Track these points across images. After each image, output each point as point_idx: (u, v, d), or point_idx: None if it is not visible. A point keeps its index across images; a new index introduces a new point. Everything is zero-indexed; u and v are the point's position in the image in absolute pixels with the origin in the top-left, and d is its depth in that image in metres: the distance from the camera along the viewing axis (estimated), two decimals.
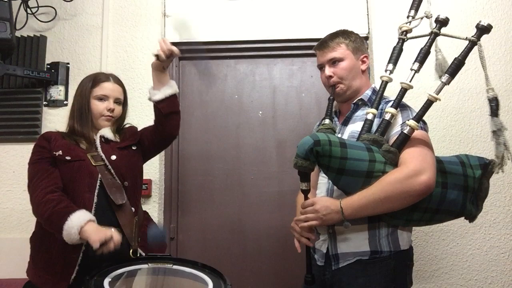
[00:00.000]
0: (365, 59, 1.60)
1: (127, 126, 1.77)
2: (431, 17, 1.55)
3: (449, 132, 2.22)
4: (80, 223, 1.37)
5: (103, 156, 1.57)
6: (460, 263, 2.14)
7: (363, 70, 1.59)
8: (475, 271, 2.12)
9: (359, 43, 1.61)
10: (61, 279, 1.45)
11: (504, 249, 2.13)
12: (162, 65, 1.65)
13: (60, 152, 1.54)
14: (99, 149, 1.59)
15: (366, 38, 2.39)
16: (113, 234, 1.37)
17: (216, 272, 1.39)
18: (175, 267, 1.44)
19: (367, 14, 2.40)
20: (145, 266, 1.42)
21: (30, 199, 1.49)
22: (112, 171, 1.56)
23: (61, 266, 1.46)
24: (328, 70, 1.58)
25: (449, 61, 1.44)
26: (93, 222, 1.40)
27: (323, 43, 1.60)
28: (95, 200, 1.50)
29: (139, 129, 1.80)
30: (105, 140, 1.63)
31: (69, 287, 1.44)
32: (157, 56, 1.61)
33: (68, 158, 1.54)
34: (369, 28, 2.38)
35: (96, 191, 1.51)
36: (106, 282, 1.24)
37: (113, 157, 1.59)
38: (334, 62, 1.57)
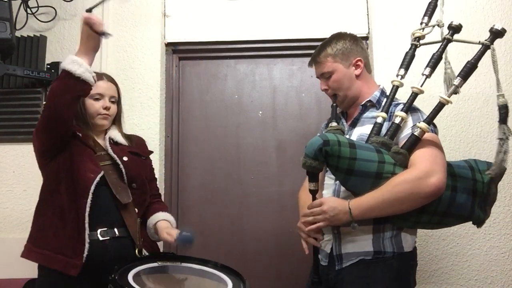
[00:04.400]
0: (359, 62, 1.57)
1: (136, 136, 1.81)
2: (443, 26, 1.55)
3: (449, 132, 2.22)
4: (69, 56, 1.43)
5: (115, 156, 1.58)
6: (460, 263, 2.13)
7: (357, 75, 1.57)
8: (475, 271, 2.12)
9: (349, 48, 1.57)
10: (74, 257, 1.43)
11: (504, 249, 2.13)
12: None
13: (79, 134, 1.58)
14: (110, 150, 1.60)
15: (366, 38, 2.39)
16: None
17: (233, 272, 1.40)
18: (190, 265, 1.45)
19: (367, 14, 2.39)
20: (155, 264, 1.43)
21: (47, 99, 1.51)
22: (123, 170, 1.57)
23: (74, 244, 1.44)
24: (322, 84, 1.61)
25: (454, 62, 1.44)
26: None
27: (312, 59, 1.62)
28: (96, 180, 1.50)
29: (137, 129, 1.82)
30: (114, 142, 1.65)
31: (80, 273, 1.42)
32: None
33: (83, 140, 1.57)
34: (369, 28, 2.38)
35: (97, 180, 1.51)
36: (130, 279, 1.25)
37: (125, 158, 1.61)
38: (325, 76, 1.58)
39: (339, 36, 1.61)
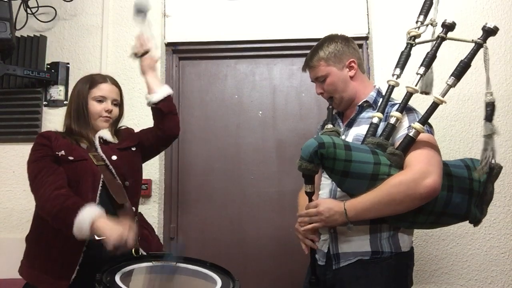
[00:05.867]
0: (352, 64, 1.56)
1: (123, 127, 1.79)
2: (436, 25, 1.54)
3: (449, 132, 2.22)
4: (91, 216, 1.34)
5: (104, 157, 1.58)
6: (460, 263, 2.14)
7: (352, 76, 1.56)
8: (475, 271, 2.12)
9: (341, 50, 1.56)
10: (61, 278, 1.44)
11: (504, 249, 2.13)
12: (152, 64, 1.72)
13: (63, 152, 1.53)
14: (99, 149, 1.59)
15: (366, 38, 2.39)
16: (129, 232, 1.33)
17: (223, 271, 1.39)
18: (182, 265, 1.44)
19: (367, 14, 2.40)
20: (149, 264, 1.43)
21: (35, 196, 1.47)
22: (113, 171, 1.57)
23: (61, 266, 1.45)
24: (318, 88, 1.60)
25: (452, 62, 1.44)
26: (104, 217, 1.38)
27: (305, 64, 1.61)
28: (97, 201, 1.50)
29: (137, 129, 1.81)
30: (103, 142, 1.63)
31: (69, 287, 1.44)
32: (135, 54, 1.69)
33: (71, 158, 1.53)
34: (369, 28, 2.38)
35: (99, 191, 1.51)
36: (117, 279, 1.24)
37: (114, 157, 1.60)
38: (320, 80, 1.58)
39: (330, 39, 1.60)
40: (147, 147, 1.76)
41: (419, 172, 1.30)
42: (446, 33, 1.48)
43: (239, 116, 2.45)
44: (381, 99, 1.52)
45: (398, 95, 1.54)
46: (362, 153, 1.35)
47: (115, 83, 1.70)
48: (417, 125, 1.35)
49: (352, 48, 1.60)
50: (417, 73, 1.47)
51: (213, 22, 2.45)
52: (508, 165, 2.16)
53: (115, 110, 1.68)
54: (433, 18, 1.56)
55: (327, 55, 1.56)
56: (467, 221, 1.49)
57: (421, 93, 1.50)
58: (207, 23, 2.45)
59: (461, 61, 1.39)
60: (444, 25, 1.48)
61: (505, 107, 2.21)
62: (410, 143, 1.36)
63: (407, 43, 1.56)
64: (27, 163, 1.54)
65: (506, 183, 2.16)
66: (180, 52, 2.50)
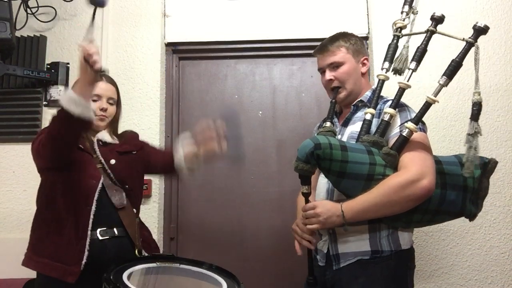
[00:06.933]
0: (365, 61, 1.59)
1: (128, 131, 1.78)
2: (417, 13, 1.55)
3: (449, 132, 2.22)
4: (67, 91, 1.37)
5: (102, 160, 1.57)
6: (460, 263, 2.13)
7: (363, 73, 1.59)
8: (475, 271, 2.12)
9: (360, 46, 1.60)
10: (72, 264, 1.42)
11: (504, 249, 2.13)
12: None
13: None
14: (98, 153, 1.57)
15: (366, 38, 2.39)
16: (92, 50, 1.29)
17: (228, 274, 1.40)
18: (187, 267, 1.45)
19: (367, 14, 2.40)
20: (154, 265, 1.43)
21: (40, 145, 1.46)
22: (111, 175, 1.56)
23: (71, 252, 1.44)
24: (328, 74, 1.58)
25: (448, 61, 1.43)
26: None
27: (323, 47, 1.59)
28: (95, 203, 1.49)
29: (137, 129, 1.81)
30: (103, 144, 1.61)
31: (79, 277, 1.41)
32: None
33: (81, 146, 1.54)
34: (369, 28, 2.38)
35: (97, 193, 1.50)
36: (124, 278, 1.25)
37: (112, 162, 1.58)
38: (334, 66, 1.56)
39: (349, 34, 1.63)
40: (151, 167, 1.75)
41: (415, 173, 1.32)
42: (435, 27, 1.48)
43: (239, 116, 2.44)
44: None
45: (389, 91, 1.53)
46: (358, 153, 1.35)
47: (111, 81, 1.68)
48: (411, 125, 1.36)
49: (365, 48, 1.65)
50: (409, 68, 1.47)
51: (213, 22, 2.44)
52: (508, 165, 2.17)
53: (111, 109, 1.64)
54: (414, 6, 1.56)
55: (349, 45, 1.57)
56: (466, 219, 1.50)
57: (394, 73, 1.51)
58: (207, 23, 2.45)
59: (453, 60, 1.40)
60: (433, 18, 1.48)
61: (505, 107, 2.21)
62: (403, 142, 1.37)
63: (394, 35, 1.56)
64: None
65: (506, 183, 2.16)
66: (180, 52, 2.50)
